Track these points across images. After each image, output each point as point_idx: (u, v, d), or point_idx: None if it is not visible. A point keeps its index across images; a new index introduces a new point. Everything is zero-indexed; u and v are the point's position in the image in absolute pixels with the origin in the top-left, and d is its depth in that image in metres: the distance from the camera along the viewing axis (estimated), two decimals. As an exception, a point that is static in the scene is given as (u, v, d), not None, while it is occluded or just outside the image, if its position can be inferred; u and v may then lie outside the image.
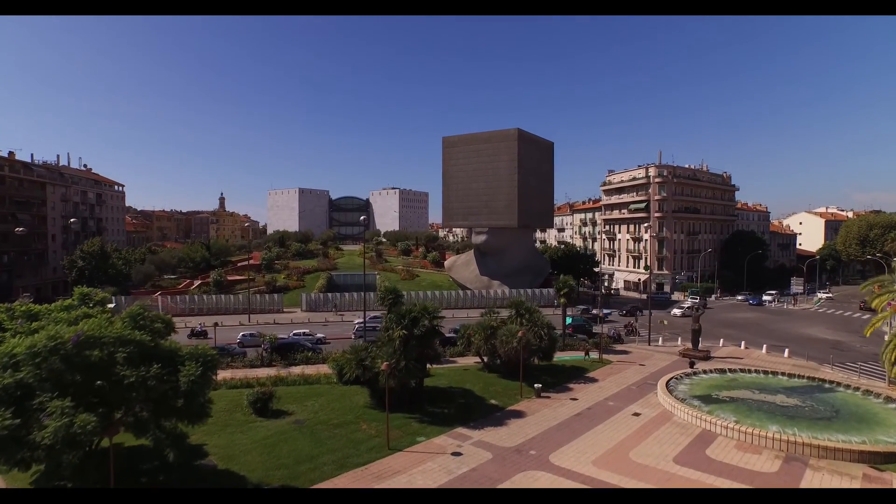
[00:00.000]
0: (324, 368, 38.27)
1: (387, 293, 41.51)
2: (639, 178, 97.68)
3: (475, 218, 75.89)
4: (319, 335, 49.01)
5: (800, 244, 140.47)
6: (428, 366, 31.72)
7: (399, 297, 41.54)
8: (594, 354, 41.82)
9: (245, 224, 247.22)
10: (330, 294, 68.21)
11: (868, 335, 30.76)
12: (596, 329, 43.38)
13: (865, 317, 68.67)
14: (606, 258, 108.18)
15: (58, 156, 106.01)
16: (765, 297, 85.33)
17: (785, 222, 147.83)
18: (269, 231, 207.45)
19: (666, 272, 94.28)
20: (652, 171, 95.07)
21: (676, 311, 68.89)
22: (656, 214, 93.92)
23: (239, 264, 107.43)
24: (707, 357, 42.08)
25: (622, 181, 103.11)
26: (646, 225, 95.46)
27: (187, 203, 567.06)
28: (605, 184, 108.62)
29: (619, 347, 45.96)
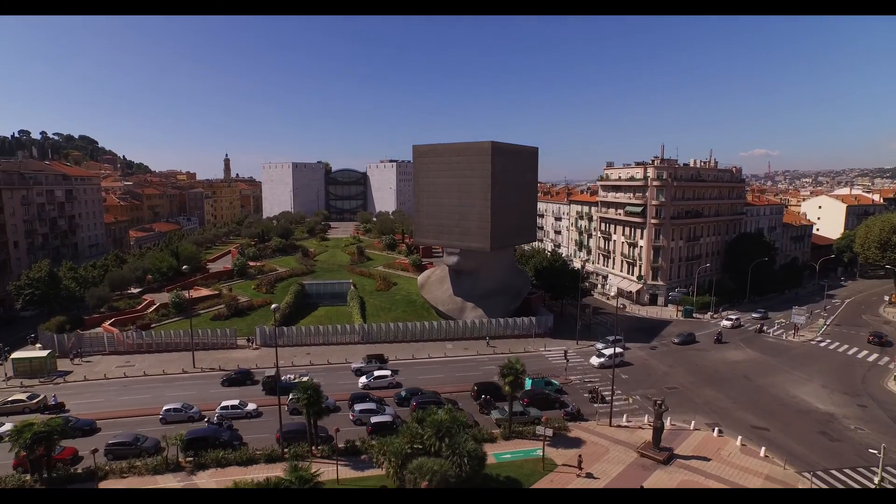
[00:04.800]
0: (235, 473, 34.80)
1: (302, 392, 36.92)
2: (637, 179, 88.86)
3: (446, 237, 69.55)
4: (251, 406, 44.90)
5: (817, 230, 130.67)
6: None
7: (316, 397, 37.12)
8: (540, 450, 36.99)
9: (244, 193, 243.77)
10: (285, 328, 63.94)
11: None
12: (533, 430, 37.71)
13: (871, 357, 62.34)
14: (602, 258, 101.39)
15: (18, 149, 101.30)
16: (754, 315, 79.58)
17: (802, 209, 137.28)
18: (264, 206, 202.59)
19: (661, 283, 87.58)
20: (650, 173, 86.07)
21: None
22: (653, 221, 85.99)
23: (214, 260, 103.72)
24: (669, 459, 37.12)
25: (619, 178, 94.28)
26: (640, 231, 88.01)
27: (196, 166, 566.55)
28: (602, 178, 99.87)
29: (573, 433, 41.00)
